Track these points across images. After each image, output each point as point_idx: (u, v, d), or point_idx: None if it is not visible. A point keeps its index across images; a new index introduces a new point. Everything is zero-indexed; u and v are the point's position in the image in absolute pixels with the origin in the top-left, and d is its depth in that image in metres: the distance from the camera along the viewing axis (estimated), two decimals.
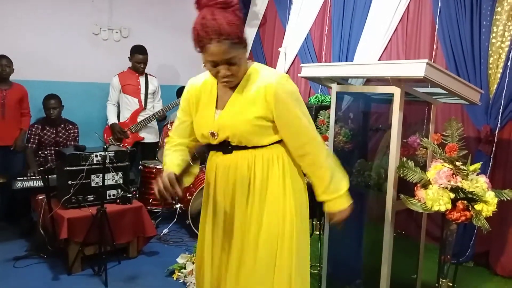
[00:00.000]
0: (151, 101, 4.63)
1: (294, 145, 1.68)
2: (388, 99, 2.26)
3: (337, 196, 1.72)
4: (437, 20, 3.47)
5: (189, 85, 1.81)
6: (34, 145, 4.10)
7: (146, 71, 4.61)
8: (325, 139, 2.83)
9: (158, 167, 4.16)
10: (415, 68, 1.95)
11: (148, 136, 4.61)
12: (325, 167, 1.69)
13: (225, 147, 1.69)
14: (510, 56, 3.04)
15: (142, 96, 4.55)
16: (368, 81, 2.93)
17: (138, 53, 4.45)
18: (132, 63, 4.49)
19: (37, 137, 4.12)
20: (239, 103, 1.64)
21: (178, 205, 3.97)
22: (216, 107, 1.70)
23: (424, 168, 2.34)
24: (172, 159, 1.78)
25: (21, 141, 4.06)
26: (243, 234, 1.70)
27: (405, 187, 2.22)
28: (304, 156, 1.69)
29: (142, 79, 4.57)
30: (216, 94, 1.71)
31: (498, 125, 3.13)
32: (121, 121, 4.54)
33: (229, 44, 1.48)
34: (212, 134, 1.69)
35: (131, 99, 4.52)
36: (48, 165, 3.85)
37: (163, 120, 4.68)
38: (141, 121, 4.50)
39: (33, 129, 4.11)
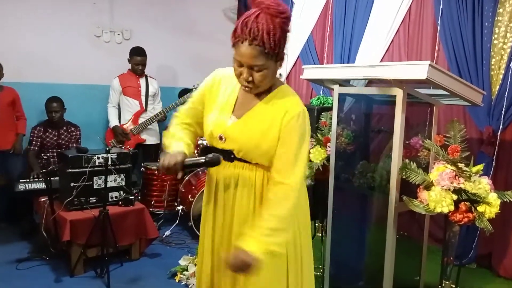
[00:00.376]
0: (151, 103, 4.63)
1: (276, 167, 1.57)
2: (390, 101, 2.26)
3: (260, 242, 1.47)
4: (438, 22, 3.48)
5: (215, 74, 1.74)
6: (36, 148, 4.09)
7: (146, 73, 4.62)
8: (327, 141, 2.83)
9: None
10: (418, 70, 1.95)
11: (149, 138, 4.61)
12: (282, 214, 1.53)
13: (228, 154, 1.65)
14: None
15: (143, 98, 4.55)
16: (370, 82, 2.93)
17: (137, 55, 4.45)
18: (131, 65, 4.50)
19: (39, 139, 4.11)
20: (257, 120, 1.59)
21: (180, 207, 3.98)
22: (233, 111, 1.64)
23: (426, 169, 2.34)
24: (183, 136, 1.71)
25: (19, 145, 4.04)
26: None
27: (408, 189, 2.22)
28: (276, 185, 1.56)
29: (142, 81, 4.57)
30: (237, 97, 1.65)
31: (501, 126, 3.13)
32: (122, 123, 4.54)
33: (260, 51, 1.44)
34: (221, 137, 1.64)
35: (131, 101, 4.52)
36: (51, 167, 3.85)
37: (163, 121, 4.68)
38: (142, 123, 4.51)
39: (35, 132, 4.11)
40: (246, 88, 1.56)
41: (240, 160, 1.63)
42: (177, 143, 1.66)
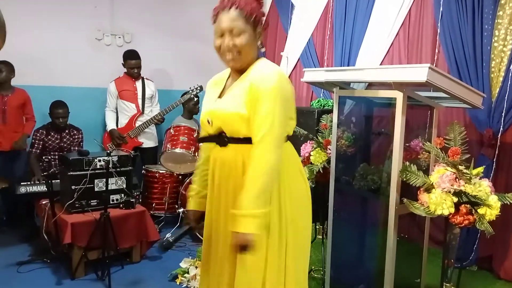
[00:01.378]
0: (148, 106, 4.63)
1: (252, 131, 1.60)
2: (390, 103, 2.27)
3: (248, 219, 1.53)
4: (438, 24, 3.48)
5: (207, 84, 1.91)
6: (38, 150, 4.10)
7: (143, 75, 4.62)
8: (328, 143, 2.83)
9: (161, 171, 4.17)
10: (418, 73, 1.95)
11: (147, 141, 4.61)
12: (257, 175, 1.55)
13: (222, 139, 1.72)
14: None
15: (139, 101, 4.55)
16: (370, 85, 2.94)
17: (130, 59, 4.46)
18: (126, 69, 4.51)
19: (41, 142, 4.12)
20: (233, 93, 1.68)
21: (181, 210, 3.98)
22: (220, 96, 1.76)
23: (427, 172, 2.35)
24: (199, 190, 1.90)
25: (22, 142, 4.02)
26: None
27: (408, 191, 2.22)
28: (253, 148, 1.59)
29: (138, 84, 4.57)
30: (224, 86, 1.79)
31: (501, 128, 3.13)
32: (119, 126, 4.54)
33: (239, 13, 1.60)
34: (208, 121, 1.75)
35: (128, 105, 4.52)
36: (52, 170, 3.86)
37: (161, 124, 4.68)
38: (139, 126, 4.50)
39: (38, 134, 4.12)
40: (231, 60, 1.65)
41: (233, 140, 1.69)
42: (194, 205, 1.92)
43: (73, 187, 3.22)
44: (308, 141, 2.97)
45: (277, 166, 1.60)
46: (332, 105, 2.71)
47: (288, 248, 1.71)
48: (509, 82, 3.05)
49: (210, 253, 1.82)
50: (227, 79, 1.80)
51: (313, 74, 2.71)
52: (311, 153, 2.88)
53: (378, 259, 2.38)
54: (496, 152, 3.17)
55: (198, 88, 4.47)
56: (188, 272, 3.12)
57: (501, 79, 3.12)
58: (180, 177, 4.20)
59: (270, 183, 1.58)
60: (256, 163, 1.57)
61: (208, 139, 1.80)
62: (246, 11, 1.60)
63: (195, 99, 4.47)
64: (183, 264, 3.21)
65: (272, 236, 1.66)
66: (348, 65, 4.22)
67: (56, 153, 4.17)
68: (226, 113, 1.66)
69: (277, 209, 1.67)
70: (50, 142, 4.16)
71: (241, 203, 1.55)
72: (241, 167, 1.66)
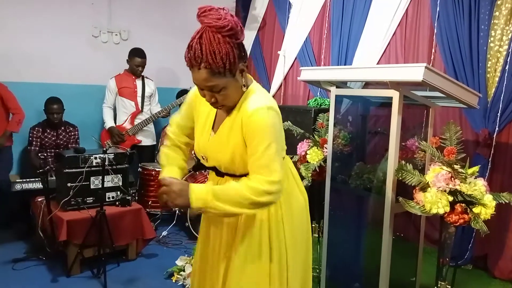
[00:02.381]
0: (147, 104, 4.63)
1: (250, 169, 1.53)
2: (386, 102, 2.28)
3: (203, 192, 1.46)
4: (435, 24, 3.50)
5: (193, 92, 1.73)
6: (37, 148, 4.12)
7: (144, 73, 4.62)
8: (324, 142, 2.84)
9: (157, 169, 4.16)
10: (414, 72, 1.96)
11: (145, 139, 4.61)
12: (239, 190, 1.48)
13: (217, 170, 1.68)
14: (508, 60, 3.06)
15: (139, 99, 4.55)
16: (367, 84, 2.95)
17: (137, 56, 4.46)
18: (130, 66, 4.50)
19: (38, 139, 4.13)
20: (226, 133, 1.59)
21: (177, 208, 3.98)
22: (213, 128, 1.65)
23: (422, 171, 2.36)
24: (176, 158, 1.77)
25: (5, 139, 3.95)
26: (229, 258, 1.68)
27: (404, 190, 2.23)
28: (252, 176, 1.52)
29: (138, 82, 4.57)
30: (215, 114, 1.66)
31: (496, 128, 3.15)
32: (117, 124, 4.53)
33: (210, 72, 1.42)
34: (203, 157, 1.69)
35: (127, 102, 4.52)
36: (47, 167, 3.85)
37: (166, 117, 4.66)
38: (138, 124, 4.50)
39: (34, 132, 4.12)
40: (216, 107, 1.57)
41: (229, 175, 1.64)
42: (170, 168, 1.72)
43: (69, 184, 3.21)
44: (305, 139, 2.98)
45: (257, 211, 1.54)
46: (329, 104, 2.71)
47: (288, 271, 1.69)
48: (505, 83, 3.07)
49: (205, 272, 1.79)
50: None
51: (310, 73, 2.71)
52: (308, 152, 2.89)
53: (373, 258, 2.38)
54: (492, 151, 3.19)
55: None
56: (184, 270, 3.12)
57: (497, 79, 3.14)
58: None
59: (243, 207, 1.48)
60: (253, 189, 1.46)
61: (205, 167, 1.76)
62: (217, 67, 1.40)
63: None
64: (179, 262, 3.21)
65: (273, 263, 1.65)
66: (345, 64, 4.23)
67: (53, 150, 4.16)
68: (221, 156, 1.60)
69: (276, 237, 1.65)
70: (46, 139, 4.15)
71: (218, 188, 1.50)
72: None
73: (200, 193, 1.46)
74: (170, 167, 1.73)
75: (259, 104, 1.49)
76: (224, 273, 1.67)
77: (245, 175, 1.56)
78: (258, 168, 1.48)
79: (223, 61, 1.41)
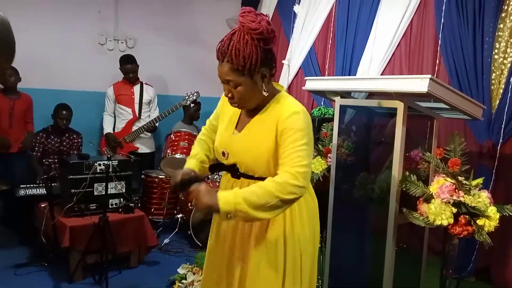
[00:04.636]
0: (146, 111, 4.64)
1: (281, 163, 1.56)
2: (390, 113, 2.28)
3: (231, 196, 1.48)
4: (440, 36, 3.51)
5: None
6: (39, 153, 4.15)
7: (142, 80, 4.64)
8: (328, 151, 2.84)
9: (160, 176, 4.17)
10: (419, 83, 1.97)
11: (142, 147, 4.62)
12: (266, 188, 1.49)
13: (234, 170, 1.70)
14: None
15: (136, 106, 4.56)
16: (371, 95, 2.95)
17: (126, 63, 4.48)
18: (123, 74, 4.53)
19: (41, 145, 4.16)
20: (255, 132, 1.64)
21: (180, 215, 3.98)
22: (236, 127, 1.71)
23: (426, 182, 2.36)
24: (198, 152, 1.84)
25: (29, 141, 4.08)
26: (244, 264, 1.70)
27: (408, 201, 2.23)
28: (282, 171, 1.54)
29: (136, 89, 4.59)
30: (239, 114, 1.73)
31: (501, 140, 3.14)
32: (115, 131, 4.57)
33: (230, 67, 1.52)
34: (223, 153, 1.71)
35: (125, 109, 4.54)
36: (52, 173, 3.87)
37: (153, 132, 4.68)
38: (135, 131, 4.51)
39: (38, 138, 4.16)
40: (235, 107, 1.65)
41: (246, 176, 1.67)
42: (188, 161, 1.80)
43: (72, 190, 3.22)
44: (311, 156, 2.98)
45: (287, 205, 1.54)
46: (333, 114, 2.72)
47: (303, 265, 1.71)
48: (509, 95, 3.07)
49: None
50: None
51: (314, 83, 2.73)
52: (311, 162, 2.89)
53: (376, 268, 2.38)
54: (496, 163, 3.18)
55: (195, 94, 4.47)
56: (185, 278, 3.11)
57: (501, 91, 3.14)
58: (175, 192, 4.19)
59: (272, 208, 1.49)
60: (280, 185, 1.48)
61: (221, 167, 1.77)
62: (237, 65, 1.50)
63: (192, 104, 4.49)
64: (180, 270, 3.19)
65: (287, 270, 1.67)
66: (349, 74, 4.24)
67: (56, 156, 4.18)
68: (246, 153, 1.64)
69: (291, 245, 1.67)
70: (49, 145, 4.18)
71: (244, 190, 1.50)
72: None
73: (227, 196, 1.47)
74: (190, 159, 1.82)
75: (297, 108, 1.58)
76: (240, 280, 1.69)
77: (263, 178, 1.59)
78: (290, 161, 1.50)
79: (245, 60, 1.49)
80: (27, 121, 4.16)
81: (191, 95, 4.47)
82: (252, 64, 1.50)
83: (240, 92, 1.56)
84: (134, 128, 4.53)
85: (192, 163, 1.79)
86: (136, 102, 4.57)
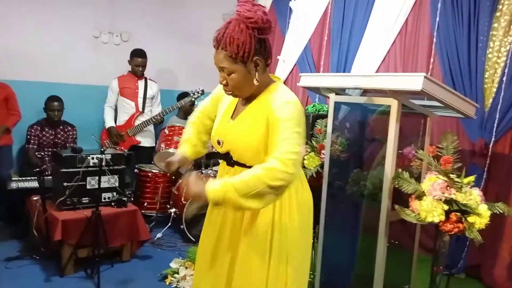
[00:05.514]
0: (149, 106, 4.64)
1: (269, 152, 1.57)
2: (384, 110, 2.29)
3: (220, 183, 1.50)
4: (434, 34, 3.52)
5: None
6: (35, 146, 4.13)
7: (146, 75, 4.63)
8: (322, 148, 2.85)
9: (154, 171, 4.16)
10: (413, 81, 1.98)
11: (144, 140, 4.61)
12: (253, 174, 1.49)
13: (229, 159, 1.73)
14: (505, 71, 3.09)
15: (140, 100, 4.56)
16: (365, 92, 2.96)
17: (137, 56, 4.48)
18: (131, 67, 4.52)
19: (36, 138, 4.13)
20: (246, 121, 1.67)
21: (173, 210, 3.98)
22: (232, 117, 1.74)
23: (418, 179, 2.37)
24: (190, 136, 1.90)
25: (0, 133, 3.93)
26: (234, 252, 1.73)
27: (400, 198, 2.24)
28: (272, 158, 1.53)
29: (141, 83, 4.59)
30: (236, 104, 1.76)
31: (493, 139, 3.17)
32: (117, 124, 4.55)
33: (225, 54, 1.55)
34: (218, 142, 1.74)
35: (128, 102, 4.53)
36: (44, 166, 3.84)
37: (160, 124, 4.69)
38: (138, 124, 4.51)
39: (32, 130, 4.13)
40: (229, 95, 1.68)
41: (239, 164, 1.69)
42: (182, 146, 1.87)
43: (65, 184, 3.21)
44: (302, 145, 2.99)
45: (277, 193, 1.52)
46: (327, 110, 2.73)
47: (289, 266, 1.71)
48: (502, 93, 3.10)
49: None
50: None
51: (309, 79, 2.73)
52: (305, 157, 2.90)
53: (368, 264, 2.39)
54: (488, 161, 3.21)
55: (200, 92, 4.47)
56: (178, 273, 3.12)
57: (494, 90, 3.17)
58: (173, 177, 4.19)
59: (261, 196, 1.48)
60: (269, 171, 1.47)
61: (217, 155, 1.83)
62: (231, 52, 1.53)
63: (193, 100, 4.49)
64: (173, 265, 3.20)
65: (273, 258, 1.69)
66: (344, 71, 4.25)
67: (50, 149, 4.15)
68: (238, 141, 1.67)
69: (278, 237, 1.69)
70: (44, 138, 4.15)
71: (233, 178, 1.52)
72: None
73: (216, 184, 1.50)
74: (184, 144, 1.89)
75: (289, 97, 1.60)
76: (229, 268, 1.73)
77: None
78: (280, 148, 1.50)
79: (238, 48, 1.52)
80: (11, 112, 4.03)
81: (196, 93, 4.47)
82: (245, 52, 1.53)
83: (233, 79, 1.59)
84: (137, 122, 4.52)
85: (186, 148, 1.85)
86: (140, 97, 4.56)
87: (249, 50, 1.53)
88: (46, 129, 4.17)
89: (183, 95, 4.66)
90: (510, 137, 3.17)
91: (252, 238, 1.69)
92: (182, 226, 3.78)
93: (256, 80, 1.61)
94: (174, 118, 4.65)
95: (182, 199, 3.85)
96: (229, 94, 1.68)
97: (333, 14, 4.45)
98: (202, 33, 5.28)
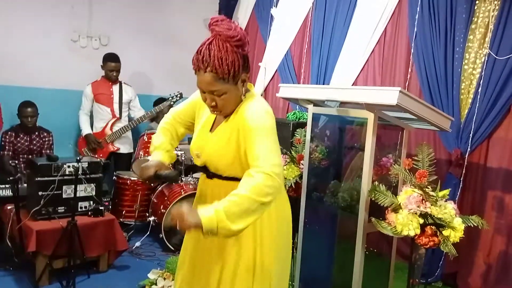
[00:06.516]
0: (125, 111, 4.56)
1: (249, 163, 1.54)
2: (362, 121, 2.31)
3: (213, 213, 1.42)
4: (412, 44, 3.57)
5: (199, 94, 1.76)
6: (10, 153, 4.02)
7: (122, 79, 4.56)
8: (301, 158, 2.85)
9: (132, 178, 4.11)
10: (389, 95, 2.00)
11: (122, 147, 4.54)
12: (244, 195, 1.45)
13: (208, 171, 1.74)
14: (481, 82, 3.14)
15: (116, 106, 4.47)
16: (344, 103, 2.98)
17: (110, 61, 4.38)
18: (104, 71, 4.43)
19: (11, 144, 4.02)
20: (222, 133, 1.67)
21: (152, 218, 3.93)
22: (211, 129, 1.74)
23: (396, 188, 2.39)
24: (164, 142, 1.84)
25: None
26: (221, 266, 1.72)
27: (377, 208, 2.26)
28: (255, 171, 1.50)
29: (115, 88, 4.50)
30: (215, 117, 1.74)
31: (468, 149, 3.22)
32: (94, 131, 4.46)
33: (214, 77, 1.52)
34: (197, 155, 1.75)
35: (103, 108, 4.45)
36: (18, 174, 3.75)
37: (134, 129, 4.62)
38: (116, 131, 4.43)
39: (7, 137, 4.02)
40: (213, 112, 1.66)
41: (217, 176, 1.70)
42: (156, 152, 1.80)
43: (40, 193, 3.13)
44: (282, 155, 2.99)
45: (266, 208, 1.51)
46: (307, 119, 2.73)
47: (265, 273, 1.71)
48: (477, 104, 3.15)
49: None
50: None
51: (288, 90, 2.74)
52: (284, 168, 2.90)
53: (346, 274, 2.40)
54: (463, 171, 3.26)
55: (178, 95, 4.42)
56: (156, 284, 3.08)
57: (470, 101, 3.22)
58: (152, 185, 4.14)
59: (251, 214, 1.46)
60: (258, 188, 1.45)
61: (197, 168, 1.82)
62: (222, 73, 1.51)
63: (172, 104, 4.43)
64: (151, 275, 3.15)
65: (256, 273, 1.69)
66: (324, 80, 4.27)
67: (25, 155, 4.06)
68: (213, 153, 1.68)
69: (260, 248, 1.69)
70: (19, 144, 4.05)
71: (223, 202, 1.44)
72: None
73: (210, 214, 1.41)
74: (158, 151, 1.82)
75: (257, 108, 1.60)
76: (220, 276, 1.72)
77: (232, 178, 1.64)
78: (263, 161, 1.48)
79: (229, 68, 1.51)
80: None
81: (174, 97, 4.41)
82: (235, 71, 1.53)
83: (225, 99, 1.58)
84: (115, 128, 4.44)
85: (160, 155, 1.80)
86: (116, 102, 4.47)
87: (238, 68, 1.54)
88: (21, 135, 4.07)
89: (159, 100, 4.60)
90: (485, 147, 3.23)
91: (238, 247, 1.69)
92: (161, 235, 3.74)
93: (243, 95, 1.63)
94: (153, 124, 4.60)
95: (161, 208, 3.81)
96: (216, 114, 1.68)
97: (314, 22, 4.47)
98: (183, 37, 5.26)
